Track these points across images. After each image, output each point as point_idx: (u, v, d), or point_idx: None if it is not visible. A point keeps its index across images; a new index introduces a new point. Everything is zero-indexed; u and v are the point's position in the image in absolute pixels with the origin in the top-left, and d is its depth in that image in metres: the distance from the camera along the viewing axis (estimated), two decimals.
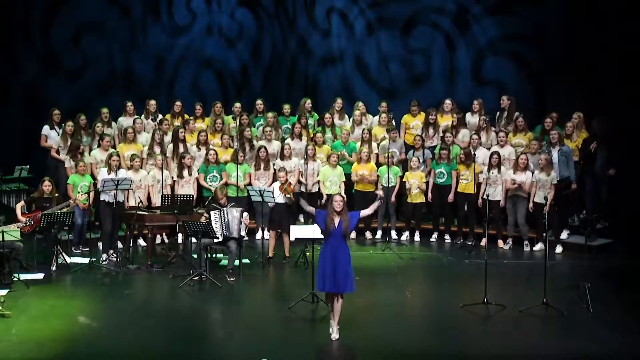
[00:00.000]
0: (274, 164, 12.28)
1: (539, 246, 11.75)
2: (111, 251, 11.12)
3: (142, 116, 12.81)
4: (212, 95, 14.37)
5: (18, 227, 10.23)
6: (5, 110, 14.00)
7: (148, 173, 11.78)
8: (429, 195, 12.33)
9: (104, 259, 11.05)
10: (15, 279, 9.84)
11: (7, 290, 9.45)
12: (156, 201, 11.55)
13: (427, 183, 12.31)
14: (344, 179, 12.24)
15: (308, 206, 8.43)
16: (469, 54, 14.60)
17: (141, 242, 12.14)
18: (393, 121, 12.91)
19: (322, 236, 8.21)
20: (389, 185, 12.29)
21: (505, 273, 10.69)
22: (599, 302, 9.04)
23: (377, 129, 12.93)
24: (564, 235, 11.89)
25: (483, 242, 11.56)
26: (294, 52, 15.03)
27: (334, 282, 7.96)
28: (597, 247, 11.55)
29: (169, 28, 14.75)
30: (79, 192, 11.19)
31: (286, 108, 13.35)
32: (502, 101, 12.79)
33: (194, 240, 10.55)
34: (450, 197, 12.20)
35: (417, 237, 12.56)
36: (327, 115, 12.98)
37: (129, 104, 12.86)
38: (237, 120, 12.83)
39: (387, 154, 12.31)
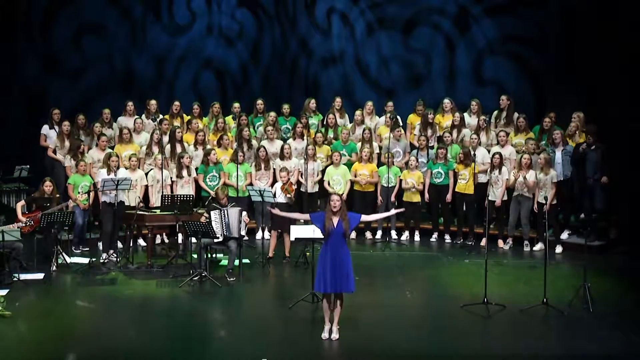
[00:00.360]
0: (274, 164, 12.29)
1: (539, 246, 11.76)
2: (111, 251, 11.12)
3: (143, 116, 12.82)
4: (211, 96, 14.36)
5: (18, 227, 10.23)
6: (6, 111, 13.99)
7: (147, 173, 11.79)
8: (426, 195, 12.33)
9: (104, 258, 11.05)
10: (15, 279, 9.84)
11: (7, 290, 9.45)
12: (154, 201, 11.57)
13: (424, 183, 12.33)
14: (348, 178, 12.25)
15: (300, 216, 8.40)
16: (469, 54, 14.62)
17: (141, 242, 12.14)
18: (400, 120, 12.91)
19: (322, 236, 8.18)
20: (389, 185, 12.30)
21: (505, 273, 10.69)
22: (599, 302, 9.04)
23: (382, 128, 12.94)
24: (564, 235, 11.89)
25: (483, 242, 11.56)
26: (294, 52, 15.04)
27: (333, 282, 7.95)
28: (597, 247, 11.54)
29: (169, 28, 14.75)
30: (79, 192, 11.19)
31: (285, 108, 13.35)
32: (501, 101, 12.79)
33: (194, 240, 10.56)
34: (448, 197, 12.21)
35: (417, 237, 12.56)
36: (331, 115, 12.99)
37: (130, 104, 12.87)
38: (237, 120, 12.83)
39: (387, 154, 12.33)
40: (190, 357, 7.71)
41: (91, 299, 9.47)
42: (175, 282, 10.06)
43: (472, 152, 11.97)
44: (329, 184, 12.19)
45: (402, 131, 12.81)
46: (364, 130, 12.62)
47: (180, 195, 11.11)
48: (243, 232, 10.46)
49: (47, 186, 10.87)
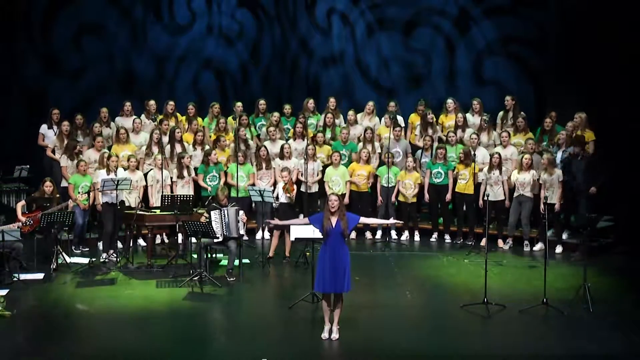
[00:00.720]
0: (274, 164, 12.31)
1: (539, 246, 11.76)
2: (111, 251, 11.12)
3: (142, 116, 12.82)
4: (211, 96, 14.36)
5: (18, 227, 10.23)
6: (6, 111, 13.99)
7: (146, 174, 11.80)
8: (425, 195, 12.34)
9: (104, 258, 11.05)
10: (15, 279, 9.84)
11: (7, 290, 9.45)
12: (154, 201, 11.57)
13: (421, 183, 12.32)
14: (348, 178, 12.25)
15: (300, 222, 8.37)
16: (469, 54, 14.62)
17: (141, 242, 12.14)
18: (398, 120, 12.90)
19: (322, 236, 8.18)
20: (389, 186, 12.30)
21: (505, 273, 10.69)
22: (599, 302, 9.04)
23: (382, 128, 12.94)
24: (563, 235, 11.89)
25: (483, 242, 11.57)
26: (294, 52, 15.03)
27: (331, 282, 7.95)
28: (597, 247, 11.54)
29: (170, 28, 14.74)
30: (79, 192, 11.19)
31: (287, 108, 13.36)
32: (506, 101, 12.79)
33: (194, 240, 10.56)
34: (448, 197, 12.21)
35: (417, 237, 12.56)
36: (329, 115, 12.99)
37: (127, 104, 12.87)
38: (237, 120, 12.83)
39: (387, 154, 12.33)
40: (190, 357, 7.71)
41: (91, 299, 9.47)
42: (175, 282, 10.06)
43: (472, 152, 11.97)
44: (328, 184, 12.18)
45: (402, 131, 12.80)
46: (365, 130, 12.62)
47: (181, 195, 11.12)
48: (242, 232, 10.46)
49: (47, 186, 10.87)
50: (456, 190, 12.17)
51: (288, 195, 10.96)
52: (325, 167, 12.48)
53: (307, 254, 10.59)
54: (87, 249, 11.53)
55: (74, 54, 14.32)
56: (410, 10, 14.77)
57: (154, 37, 14.67)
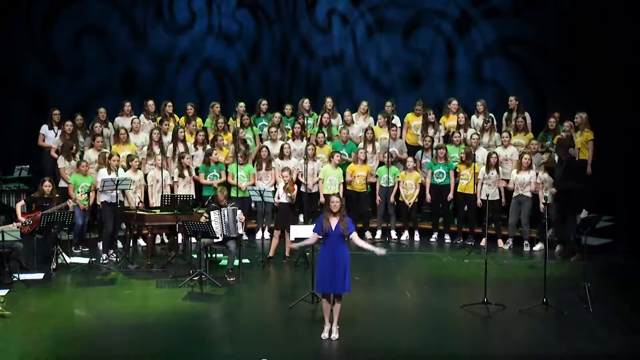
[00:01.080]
0: (275, 164, 12.31)
1: (539, 246, 11.76)
2: (111, 251, 11.12)
3: (142, 116, 12.82)
4: (212, 96, 14.36)
5: (18, 227, 10.23)
6: (7, 110, 14.00)
7: (146, 174, 11.81)
8: (427, 195, 12.34)
9: (104, 259, 11.05)
10: (15, 279, 9.84)
11: (7, 290, 9.45)
12: (154, 201, 11.57)
13: (422, 184, 12.32)
14: (343, 180, 12.25)
15: (313, 239, 8.20)
16: (469, 55, 14.62)
17: (141, 242, 12.14)
18: (397, 120, 12.89)
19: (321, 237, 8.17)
20: (388, 186, 12.30)
21: (505, 273, 10.69)
22: (599, 302, 9.04)
23: (377, 129, 12.93)
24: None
25: (483, 242, 11.57)
26: (295, 52, 15.03)
27: (330, 283, 7.96)
28: (597, 247, 11.54)
29: (170, 28, 14.74)
30: (78, 192, 11.19)
31: (287, 108, 13.36)
32: (509, 102, 12.78)
33: (194, 240, 10.55)
34: (450, 197, 12.21)
35: (416, 237, 12.56)
36: (326, 115, 12.99)
37: (127, 104, 12.87)
38: (238, 120, 12.83)
39: (387, 154, 12.33)
40: (190, 358, 7.71)
41: (91, 299, 9.47)
42: (175, 282, 10.06)
43: (472, 152, 11.98)
44: (322, 182, 12.16)
45: (397, 131, 12.79)
46: (365, 130, 12.62)
47: (181, 195, 11.12)
48: (240, 231, 10.46)
49: (47, 186, 10.86)
50: (458, 190, 12.17)
51: (289, 195, 10.96)
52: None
53: (307, 254, 10.59)
54: (87, 249, 11.53)
55: (75, 54, 14.32)
56: (410, 11, 14.77)
57: (155, 37, 14.66)
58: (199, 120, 13.06)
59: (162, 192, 11.40)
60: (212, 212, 10.33)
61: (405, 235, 12.59)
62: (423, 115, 12.90)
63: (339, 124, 13.22)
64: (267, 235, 12.29)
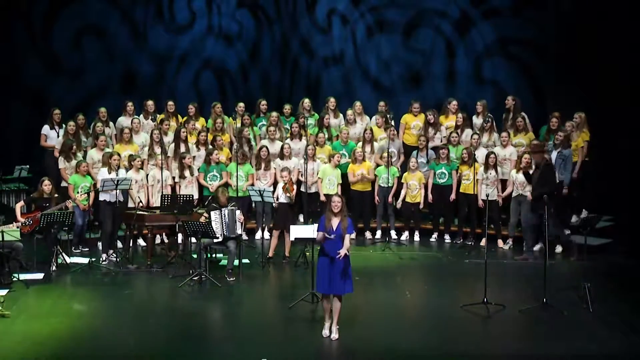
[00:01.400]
0: (274, 164, 12.30)
1: (538, 246, 11.75)
2: (111, 251, 11.12)
3: (141, 116, 12.82)
4: (212, 96, 14.36)
5: (18, 227, 10.23)
6: (7, 110, 14.00)
7: (147, 174, 11.81)
8: (429, 195, 12.34)
9: (104, 259, 11.05)
10: (15, 279, 9.84)
11: (7, 290, 9.45)
12: (154, 201, 11.57)
13: (426, 184, 12.33)
14: (341, 181, 12.24)
15: (320, 237, 8.18)
16: (469, 55, 14.61)
17: (141, 242, 12.14)
18: (392, 121, 12.89)
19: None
20: (388, 186, 12.30)
21: (505, 273, 10.69)
22: (599, 302, 9.04)
23: (375, 129, 12.94)
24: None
25: (483, 242, 11.56)
26: (295, 52, 15.03)
27: (330, 283, 7.95)
28: (597, 247, 11.53)
29: (170, 28, 14.74)
30: (78, 192, 11.18)
31: (286, 108, 13.36)
32: (507, 101, 12.79)
33: (194, 240, 10.55)
34: (452, 197, 12.21)
35: (416, 237, 12.57)
36: (327, 116, 12.99)
37: (129, 104, 12.87)
38: (238, 120, 12.83)
39: (384, 154, 12.34)
40: (190, 357, 7.71)
41: (91, 299, 9.47)
42: (175, 282, 10.05)
43: (473, 153, 11.98)
44: (321, 182, 12.15)
45: (395, 131, 12.79)
46: (364, 130, 12.62)
47: (182, 195, 11.12)
48: (239, 231, 10.45)
49: (46, 185, 10.86)
50: (460, 190, 12.17)
51: (288, 195, 10.96)
52: None
53: (307, 254, 10.60)
54: (87, 249, 11.53)
55: (75, 54, 14.32)
56: (410, 12, 14.77)
57: (155, 37, 14.66)
58: (202, 120, 13.05)
59: (162, 192, 11.40)
60: (212, 212, 10.33)
61: (405, 235, 12.59)
62: (425, 114, 12.89)
63: (340, 124, 13.23)
64: (267, 235, 12.29)
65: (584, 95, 12.53)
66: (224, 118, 13.00)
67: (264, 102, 13.34)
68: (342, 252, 7.89)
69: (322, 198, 11.97)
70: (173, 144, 12.29)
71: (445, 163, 12.22)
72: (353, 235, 8.20)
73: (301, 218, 12.39)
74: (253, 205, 12.29)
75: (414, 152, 12.56)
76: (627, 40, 12.17)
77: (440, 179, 12.27)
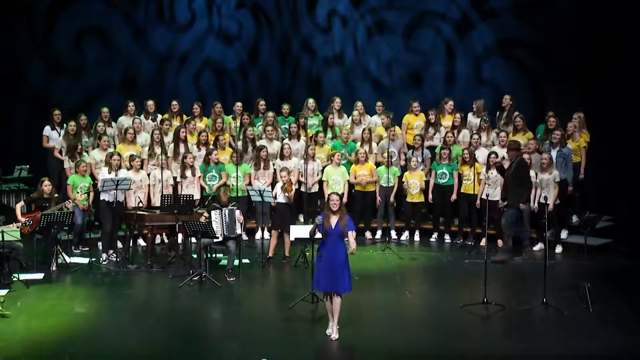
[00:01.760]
0: (273, 164, 12.30)
1: (539, 246, 11.75)
2: (111, 251, 11.13)
3: (142, 116, 12.82)
4: (212, 96, 14.37)
5: (18, 227, 10.23)
6: (8, 110, 14.01)
7: (149, 174, 11.81)
8: (430, 195, 12.34)
9: (104, 259, 11.05)
10: (15, 279, 9.84)
11: (7, 290, 9.45)
12: (155, 201, 11.57)
13: (427, 183, 12.34)
14: (348, 178, 12.25)
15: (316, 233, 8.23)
16: (469, 55, 14.62)
17: (141, 242, 12.14)
18: (393, 120, 12.90)
19: (321, 236, 8.16)
20: (388, 185, 12.30)
21: (505, 273, 10.69)
22: (599, 302, 9.04)
23: (380, 128, 12.94)
24: (563, 235, 11.89)
25: (483, 242, 11.56)
26: (296, 52, 15.04)
27: (329, 281, 7.96)
28: (597, 247, 11.54)
29: (171, 28, 14.75)
30: (77, 192, 11.18)
31: (285, 108, 13.36)
32: (504, 100, 12.79)
33: (194, 240, 10.55)
34: (453, 197, 12.21)
35: (417, 237, 12.57)
36: (331, 115, 12.99)
37: (130, 103, 12.87)
38: (238, 120, 12.83)
39: (384, 154, 12.34)
40: (190, 357, 7.72)
41: (91, 299, 9.47)
42: (175, 282, 10.06)
43: (473, 153, 11.98)
44: (327, 184, 12.17)
45: (396, 131, 12.78)
46: (363, 130, 12.62)
47: (183, 195, 11.13)
48: (239, 231, 10.46)
49: (46, 186, 10.87)
50: (461, 190, 12.17)
51: (287, 195, 10.96)
52: (324, 167, 12.47)
53: (307, 254, 10.60)
54: (87, 249, 11.53)
55: (76, 54, 14.33)
56: (410, 13, 14.77)
57: (156, 38, 14.67)
58: (205, 120, 13.05)
59: (163, 192, 11.40)
60: (212, 212, 10.34)
61: (405, 235, 12.59)
62: (425, 114, 12.90)
63: (344, 124, 13.23)
64: (267, 235, 12.29)
65: (584, 95, 12.53)
66: (224, 118, 13.01)
67: (262, 102, 13.34)
68: (353, 244, 8.11)
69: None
70: (172, 144, 12.28)
71: (446, 163, 12.21)
72: (351, 235, 8.20)
73: (301, 218, 12.39)
74: (253, 204, 12.28)
75: (410, 152, 12.57)
76: (628, 40, 12.17)
77: (441, 179, 12.27)
